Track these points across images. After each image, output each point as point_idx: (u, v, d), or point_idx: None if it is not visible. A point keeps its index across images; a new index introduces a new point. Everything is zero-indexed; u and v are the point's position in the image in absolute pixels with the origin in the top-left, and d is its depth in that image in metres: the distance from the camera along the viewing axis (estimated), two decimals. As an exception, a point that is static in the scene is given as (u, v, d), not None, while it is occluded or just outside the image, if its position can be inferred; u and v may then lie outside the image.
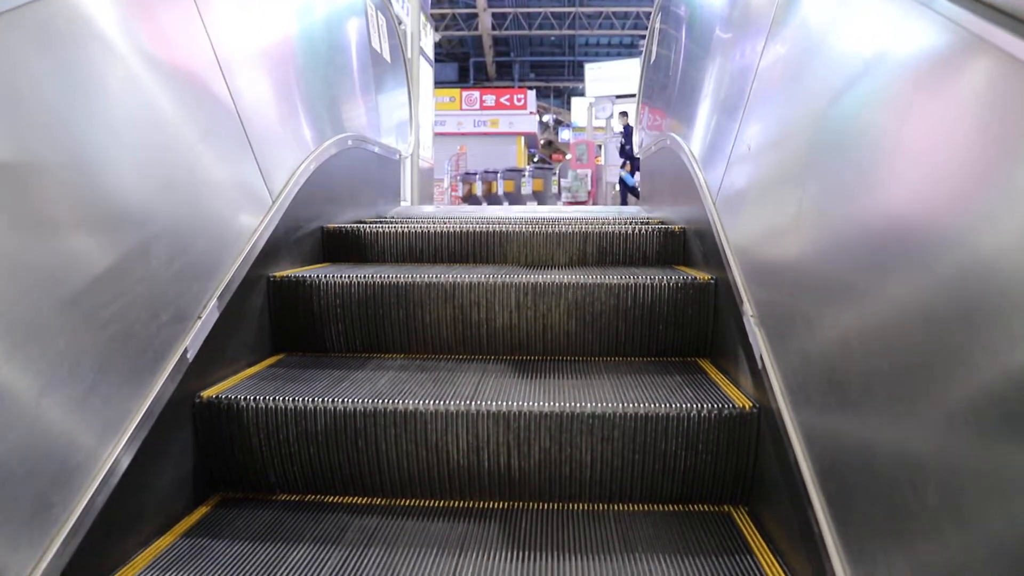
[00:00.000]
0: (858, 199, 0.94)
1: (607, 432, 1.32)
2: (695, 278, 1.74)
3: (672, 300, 1.74)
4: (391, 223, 2.45)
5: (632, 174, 10.00)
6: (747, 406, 1.31)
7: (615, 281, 1.74)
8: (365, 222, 2.58)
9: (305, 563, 1.10)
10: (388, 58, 3.63)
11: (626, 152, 10.15)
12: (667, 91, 2.99)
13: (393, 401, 1.35)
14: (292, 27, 2.19)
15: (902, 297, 0.79)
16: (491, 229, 2.26)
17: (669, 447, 1.32)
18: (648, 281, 1.74)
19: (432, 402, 1.34)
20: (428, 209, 4.33)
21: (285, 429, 1.36)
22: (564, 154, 13.95)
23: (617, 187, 10.54)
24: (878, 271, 0.85)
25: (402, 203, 7.33)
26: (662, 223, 2.43)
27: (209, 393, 1.38)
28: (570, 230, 2.24)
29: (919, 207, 0.79)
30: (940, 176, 0.75)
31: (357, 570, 1.08)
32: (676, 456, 1.32)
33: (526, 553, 1.15)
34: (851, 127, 1.00)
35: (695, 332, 1.75)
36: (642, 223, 2.41)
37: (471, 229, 2.26)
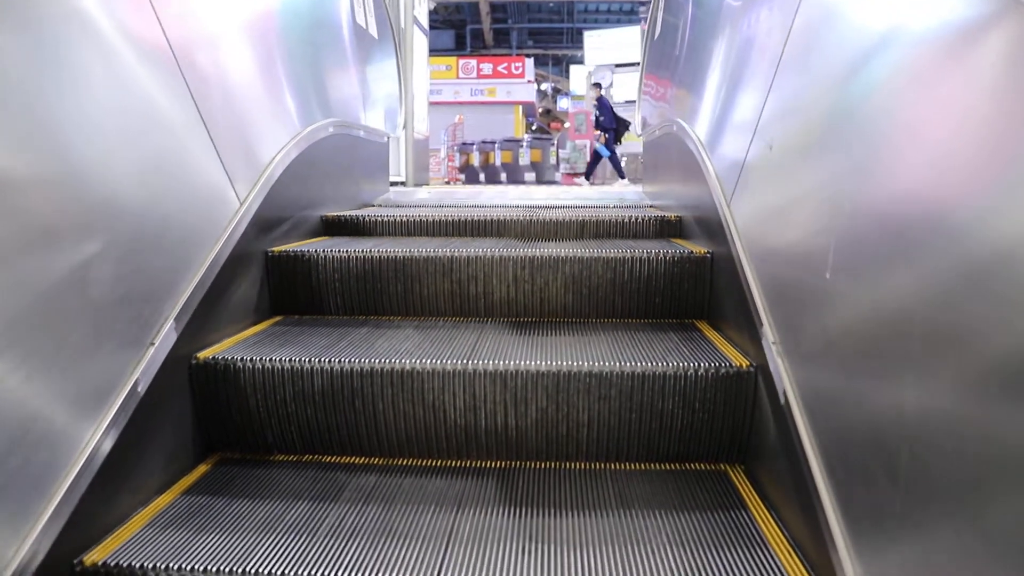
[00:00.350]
0: (877, 179, 0.92)
1: (604, 391, 1.32)
2: (691, 252, 1.75)
3: (669, 274, 1.74)
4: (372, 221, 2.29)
5: (607, 145, 10.05)
6: (744, 364, 1.31)
7: (612, 255, 1.74)
8: (344, 217, 2.37)
9: (303, 520, 1.11)
10: (375, 33, 3.41)
11: (600, 124, 10.17)
12: (674, 67, 2.76)
13: (390, 360, 1.35)
14: (261, 2, 1.98)
15: (903, 267, 0.78)
16: (485, 217, 2.24)
17: (666, 406, 1.32)
18: (645, 255, 1.74)
19: (429, 361, 1.34)
20: (421, 195, 4.01)
21: (282, 390, 1.36)
22: (563, 123, 13.80)
23: (607, 159, 10.49)
24: (886, 247, 0.83)
25: (393, 185, 7.08)
26: (663, 214, 2.36)
27: (205, 354, 1.38)
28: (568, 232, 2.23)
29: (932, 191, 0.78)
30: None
31: (355, 527, 1.09)
32: (673, 415, 1.33)
33: (523, 509, 1.16)
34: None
35: (692, 302, 1.76)
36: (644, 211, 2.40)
37: (464, 218, 2.25)
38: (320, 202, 2.29)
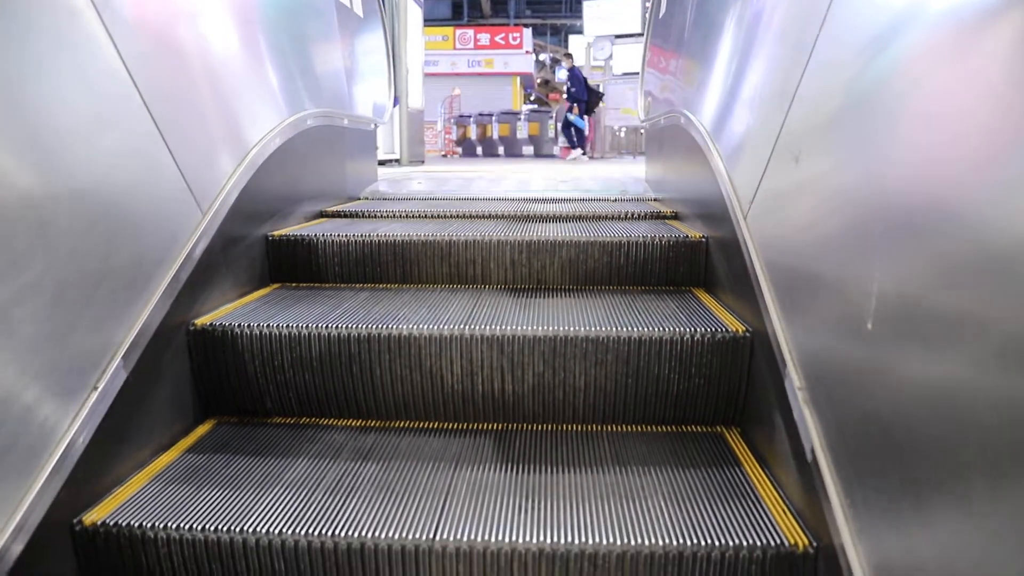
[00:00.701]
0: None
1: (600, 356, 1.32)
2: (687, 236, 1.75)
3: (664, 258, 1.76)
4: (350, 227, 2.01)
5: (581, 116, 10.12)
6: (740, 330, 1.31)
7: (608, 239, 1.75)
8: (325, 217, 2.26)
9: (302, 479, 1.12)
10: (360, 11, 3.18)
11: (572, 95, 10.19)
12: (681, 51, 2.51)
13: (387, 326, 1.34)
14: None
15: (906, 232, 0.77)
16: (480, 211, 2.18)
17: (662, 371, 1.33)
18: (640, 239, 1.75)
19: (426, 327, 1.34)
20: (413, 185, 3.63)
21: (280, 356, 1.36)
22: (561, 93, 13.63)
23: (570, 129, 10.45)
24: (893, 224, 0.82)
25: (385, 164, 6.76)
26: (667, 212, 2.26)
27: (203, 321, 1.37)
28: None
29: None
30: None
31: (353, 485, 1.10)
32: (669, 380, 1.33)
33: (520, 466, 1.17)
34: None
35: (689, 278, 1.77)
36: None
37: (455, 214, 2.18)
38: (307, 198, 2.17)
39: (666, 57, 2.90)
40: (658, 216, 2.22)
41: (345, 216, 2.27)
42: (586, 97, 10.21)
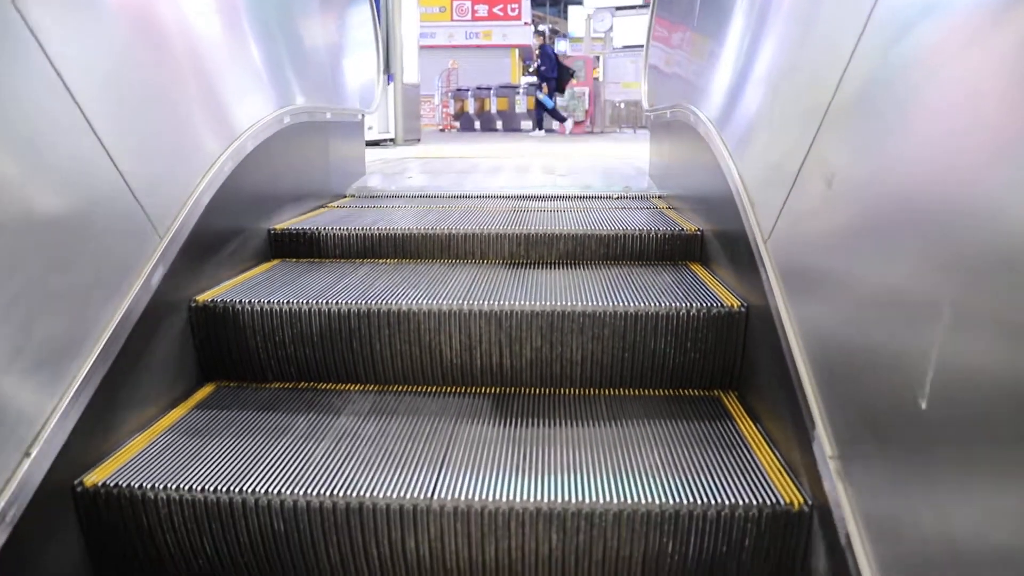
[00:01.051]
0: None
1: (597, 331, 1.33)
2: (683, 228, 1.75)
3: (660, 250, 1.77)
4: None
5: (551, 95, 10.15)
6: (735, 305, 1.31)
7: (605, 232, 1.77)
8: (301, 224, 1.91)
9: (301, 440, 1.13)
10: None
11: (541, 73, 10.17)
12: (690, 36, 2.25)
13: (387, 301, 1.35)
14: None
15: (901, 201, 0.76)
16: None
17: (658, 345, 1.34)
18: (637, 232, 1.76)
19: (426, 302, 1.35)
20: (409, 181, 3.24)
21: (281, 331, 1.36)
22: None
23: (538, 106, 10.50)
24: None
25: (378, 145, 6.42)
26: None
27: (204, 297, 1.37)
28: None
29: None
30: None
31: (352, 446, 1.10)
32: (665, 355, 1.34)
33: (519, 420, 1.20)
34: None
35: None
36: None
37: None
38: (286, 201, 1.95)
39: (673, 45, 2.63)
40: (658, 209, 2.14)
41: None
42: (556, 75, 10.18)
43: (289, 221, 1.93)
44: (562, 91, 10.65)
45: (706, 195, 1.75)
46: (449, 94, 13.81)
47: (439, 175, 3.53)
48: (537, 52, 10.32)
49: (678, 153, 2.29)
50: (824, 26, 1.14)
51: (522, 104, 13.26)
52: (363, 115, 3.04)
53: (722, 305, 1.32)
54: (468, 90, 13.49)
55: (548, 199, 2.45)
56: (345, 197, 2.58)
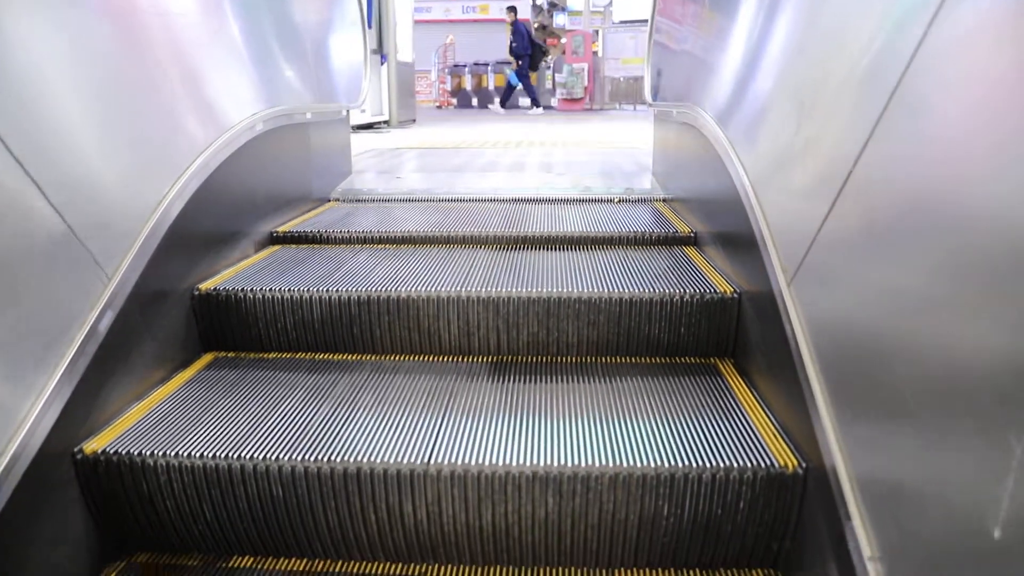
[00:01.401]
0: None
1: (592, 316, 1.35)
2: (676, 230, 1.77)
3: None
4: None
5: (524, 73, 10.09)
6: (728, 291, 1.33)
7: (602, 234, 1.76)
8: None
9: (299, 407, 1.13)
10: None
11: (513, 50, 10.10)
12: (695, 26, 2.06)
13: (386, 288, 1.36)
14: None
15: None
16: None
17: (653, 330, 1.35)
18: (633, 235, 1.76)
19: (425, 288, 1.36)
20: (403, 182, 2.87)
21: (283, 319, 1.38)
22: (559, 38, 13.28)
23: (525, 84, 10.47)
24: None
25: (371, 128, 6.13)
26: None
27: (207, 285, 1.38)
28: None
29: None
30: None
31: (350, 413, 1.11)
32: (659, 340, 1.36)
33: (516, 382, 1.22)
34: None
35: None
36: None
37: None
38: (244, 225, 1.67)
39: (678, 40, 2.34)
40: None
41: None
42: (529, 52, 10.09)
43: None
44: (535, 68, 10.61)
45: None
46: (446, 70, 13.65)
47: (433, 174, 3.11)
48: (510, 29, 10.19)
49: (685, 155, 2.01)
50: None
51: (521, 80, 13.11)
52: (348, 111, 2.75)
53: (714, 291, 1.32)
54: (465, 66, 13.34)
55: (545, 202, 2.22)
56: (329, 202, 2.30)
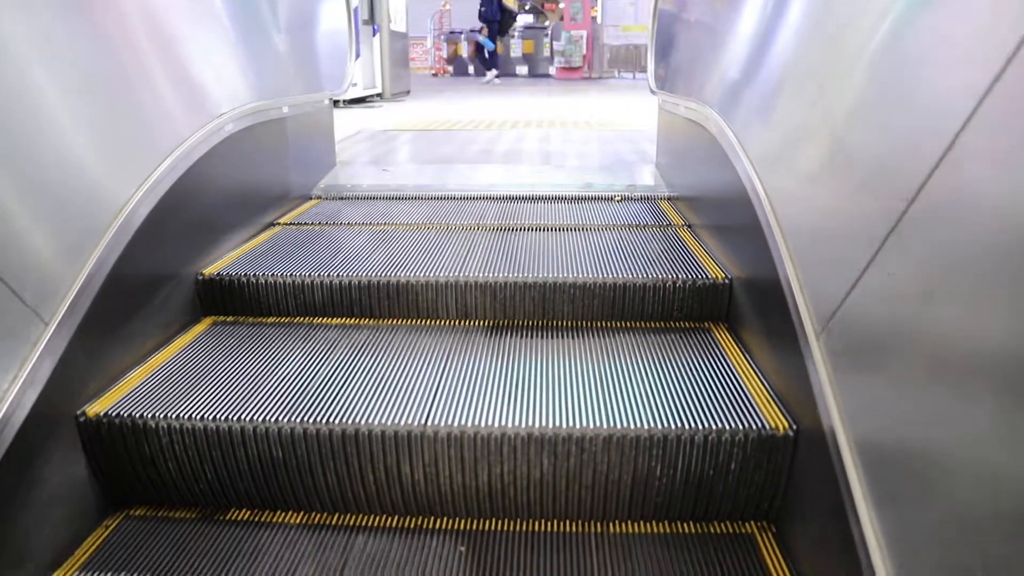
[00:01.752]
0: None
1: (587, 301, 1.37)
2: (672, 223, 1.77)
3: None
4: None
5: (491, 38, 10.16)
6: (720, 277, 1.35)
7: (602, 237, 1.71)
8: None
9: (299, 369, 1.14)
10: None
11: (482, 15, 10.16)
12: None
13: (386, 273, 1.38)
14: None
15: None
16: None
17: (646, 312, 1.38)
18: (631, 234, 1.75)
19: (423, 273, 1.38)
20: (400, 178, 2.55)
21: (286, 303, 1.40)
22: (557, 3, 13.06)
23: (483, 52, 10.50)
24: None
25: (363, 101, 5.84)
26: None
27: (210, 271, 1.39)
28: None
29: None
30: None
31: (349, 376, 1.12)
32: (653, 322, 1.38)
33: (512, 347, 1.24)
34: None
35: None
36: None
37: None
38: (215, 236, 1.50)
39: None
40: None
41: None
42: (499, 17, 10.03)
43: (226, 258, 1.49)
44: (503, 34, 10.61)
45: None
46: (442, 37, 13.40)
47: (424, 170, 2.82)
48: None
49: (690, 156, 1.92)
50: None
51: (517, 48, 12.88)
52: (331, 100, 2.54)
53: (706, 277, 1.32)
54: (461, 32, 13.08)
55: (543, 199, 2.08)
56: (310, 200, 2.14)
